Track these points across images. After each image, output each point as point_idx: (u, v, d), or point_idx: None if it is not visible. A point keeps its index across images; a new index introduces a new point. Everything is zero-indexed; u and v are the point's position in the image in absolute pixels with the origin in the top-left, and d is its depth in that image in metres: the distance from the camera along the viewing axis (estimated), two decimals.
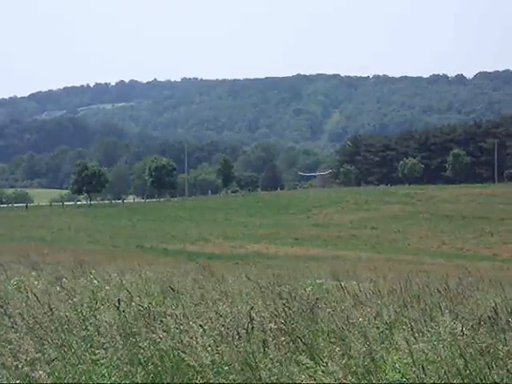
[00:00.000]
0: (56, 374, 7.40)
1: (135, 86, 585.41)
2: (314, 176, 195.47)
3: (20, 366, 7.24)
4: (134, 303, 9.74)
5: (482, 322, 8.78)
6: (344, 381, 6.95)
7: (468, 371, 7.26)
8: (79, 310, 9.34)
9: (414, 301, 11.14)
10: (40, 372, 7.06)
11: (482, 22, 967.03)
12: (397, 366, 7.46)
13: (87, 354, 7.77)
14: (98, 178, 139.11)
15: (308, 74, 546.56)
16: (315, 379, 6.86)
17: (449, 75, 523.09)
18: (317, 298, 10.28)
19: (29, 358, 7.34)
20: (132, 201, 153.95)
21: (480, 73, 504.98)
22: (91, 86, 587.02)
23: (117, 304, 9.24)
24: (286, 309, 9.30)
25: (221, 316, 8.93)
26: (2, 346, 8.01)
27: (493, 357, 7.47)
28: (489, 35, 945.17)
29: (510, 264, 52.06)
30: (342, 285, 12.77)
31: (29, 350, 7.55)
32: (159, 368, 7.58)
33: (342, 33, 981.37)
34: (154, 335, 8.01)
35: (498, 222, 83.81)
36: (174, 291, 11.22)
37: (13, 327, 8.61)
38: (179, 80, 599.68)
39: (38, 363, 7.33)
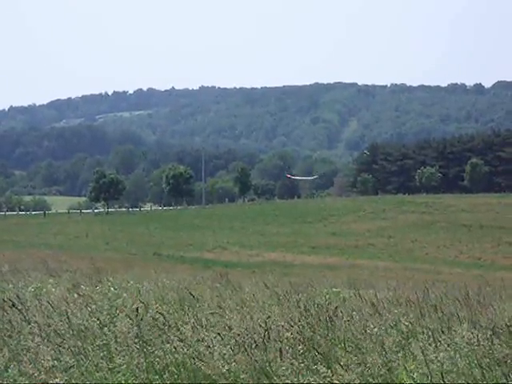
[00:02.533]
0: (73, 381, 7.41)
1: (153, 94, 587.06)
2: (303, 180, 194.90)
3: (37, 374, 7.26)
4: (150, 311, 9.75)
5: (499, 332, 8.74)
6: None
7: (485, 381, 7.24)
8: (96, 318, 9.36)
9: (432, 310, 11.10)
10: (57, 380, 7.08)
11: (500, 31, 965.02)
12: (414, 375, 7.43)
13: (104, 362, 7.78)
14: (115, 185, 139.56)
15: (325, 83, 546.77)
16: None
17: (467, 84, 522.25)
18: (335, 307, 10.26)
19: (46, 366, 7.36)
20: (149, 208, 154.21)
21: (498, 82, 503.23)
22: (109, 94, 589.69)
23: (134, 312, 9.25)
24: (303, 318, 9.29)
25: (237, 325, 8.93)
26: (20, 353, 8.04)
27: (510, 367, 7.44)
28: (508, 44, 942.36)
29: None
30: (359, 294, 12.75)
31: (46, 357, 7.57)
32: (175, 376, 7.58)
33: (359, 41, 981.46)
34: (169, 344, 8.01)
35: None
36: (193, 297, 11.24)
37: (30, 334, 8.64)
38: (197, 88, 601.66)
39: (55, 371, 7.35)
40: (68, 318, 9.23)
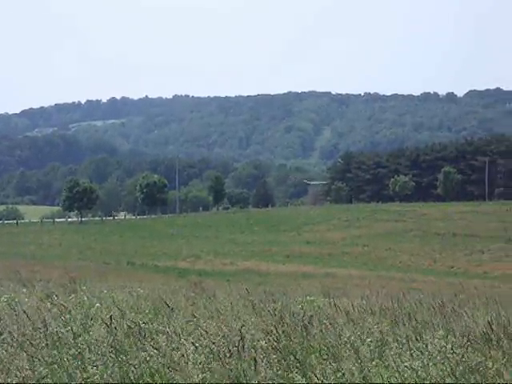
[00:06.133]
0: None
1: (127, 102, 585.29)
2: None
3: None
4: (124, 320, 9.70)
5: (473, 340, 8.78)
6: None
7: None
8: (70, 327, 9.30)
9: (406, 318, 11.12)
10: None
11: (472, 41, 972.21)
12: (388, 383, 7.45)
13: (78, 372, 7.72)
14: (89, 194, 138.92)
15: (299, 92, 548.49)
16: None
17: (439, 93, 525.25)
18: (311, 316, 10.26)
19: (20, 376, 7.30)
20: (123, 217, 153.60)
21: (471, 91, 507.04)
22: (82, 102, 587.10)
23: (108, 321, 9.20)
24: (279, 326, 9.28)
25: (212, 334, 8.90)
26: None
27: (483, 375, 7.47)
28: (479, 54, 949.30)
29: (501, 282, 52.22)
30: (334, 302, 12.76)
31: (19, 367, 7.51)
32: None
33: (332, 51, 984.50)
34: (144, 353, 7.97)
35: (489, 240, 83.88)
36: (168, 307, 11.20)
37: (3, 344, 8.56)
38: (171, 97, 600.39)
39: (28, 381, 7.29)
40: (43, 327, 9.17)
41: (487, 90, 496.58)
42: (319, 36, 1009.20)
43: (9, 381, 7.26)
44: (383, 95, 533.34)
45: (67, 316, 10.27)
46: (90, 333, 9.05)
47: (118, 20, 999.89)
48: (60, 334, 9.00)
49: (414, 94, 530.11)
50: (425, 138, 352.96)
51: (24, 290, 16.36)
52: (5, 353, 7.98)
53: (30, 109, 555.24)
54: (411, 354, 8.05)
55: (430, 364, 7.65)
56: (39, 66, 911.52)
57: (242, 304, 12.95)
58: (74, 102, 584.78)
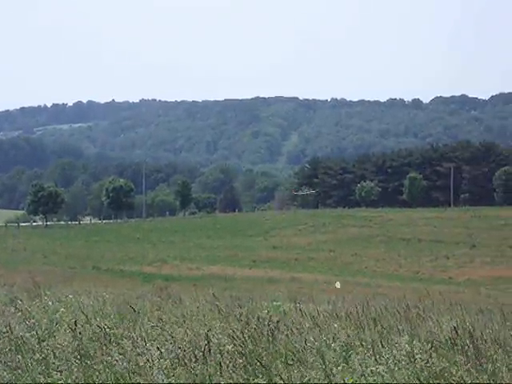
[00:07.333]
0: None
1: (93, 106, 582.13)
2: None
3: None
4: (89, 325, 9.63)
5: (437, 345, 8.82)
6: None
7: None
8: (35, 332, 9.22)
9: (371, 323, 11.15)
10: None
11: (438, 48, 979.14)
12: None
13: (42, 377, 7.66)
14: (54, 198, 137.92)
15: (266, 97, 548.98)
16: None
17: (405, 100, 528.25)
18: (277, 321, 10.25)
19: None
20: (88, 222, 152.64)
21: (436, 97, 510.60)
22: (48, 106, 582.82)
23: (73, 326, 9.13)
24: (245, 331, 9.27)
25: (178, 338, 8.87)
26: None
27: (447, 380, 7.50)
28: (446, 61, 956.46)
29: (465, 287, 52.65)
30: (300, 307, 12.78)
31: None
32: None
33: (300, 56, 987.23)
34: (109, 358, 7.92)
35: (454, 246, 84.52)
36: (134, 311, 11.14)
37: None
38: (137, 101, 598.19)
39: None
40: (8, 331, 9.09)
41: (453, 97, 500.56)
42: (285, 42, 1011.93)
43: None
44: (350, 101, 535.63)
45: (32, 321, 10.19)
46: (55, 337, 8.97)
47: (81, 22, 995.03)
48: (24, 339, 8.92)
49: (380, 100, 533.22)
50: (391, 144, 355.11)
51: None
52: None
53: None
54: (376, 359, 8.07)
55: (395, 369, 7.67)
56: (3, 69, 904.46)
57: (208, 309, 12.93)
58: (39, 106, 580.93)
